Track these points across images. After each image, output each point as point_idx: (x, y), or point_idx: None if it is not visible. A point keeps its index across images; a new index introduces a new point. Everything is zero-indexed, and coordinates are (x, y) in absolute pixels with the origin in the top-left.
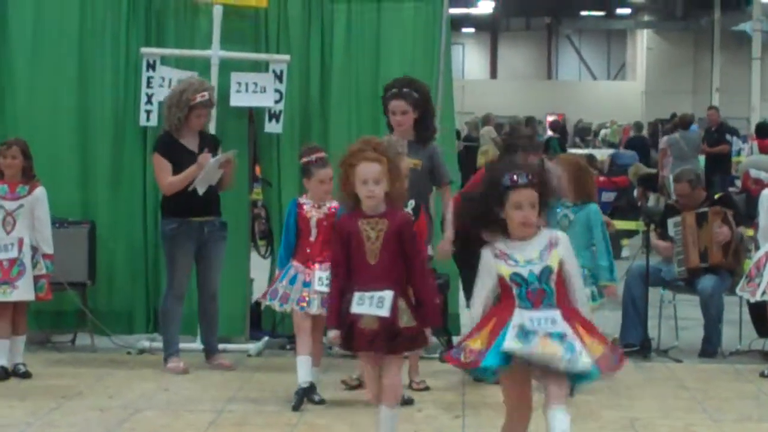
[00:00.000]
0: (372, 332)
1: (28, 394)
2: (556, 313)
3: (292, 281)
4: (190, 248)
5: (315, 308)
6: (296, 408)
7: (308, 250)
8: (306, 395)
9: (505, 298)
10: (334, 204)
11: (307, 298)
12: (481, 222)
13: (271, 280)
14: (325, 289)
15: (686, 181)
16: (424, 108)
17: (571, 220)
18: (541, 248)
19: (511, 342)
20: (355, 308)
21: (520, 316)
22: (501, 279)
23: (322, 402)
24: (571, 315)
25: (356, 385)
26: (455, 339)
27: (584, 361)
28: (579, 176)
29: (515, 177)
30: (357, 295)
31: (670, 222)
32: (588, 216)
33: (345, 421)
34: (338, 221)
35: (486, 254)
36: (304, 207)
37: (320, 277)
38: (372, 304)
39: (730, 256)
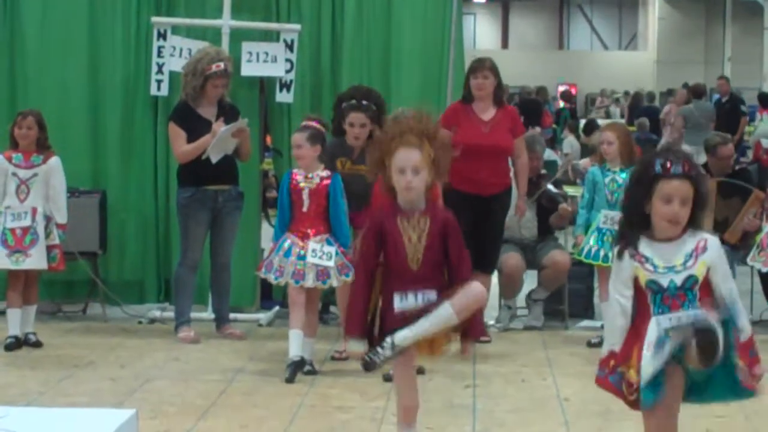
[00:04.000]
0: (418, 311)
1: (39, 363)
2: (698, 312)
3: (287, 254)
4: (204, 217)
5: (310, 281)
6: (290, 380)
7: (302, 221)
8: (298, 368)
9: (640, 303)
10: (326, 173)
11: (302, 272)
12: (626, 220)
13: (267, 252)
14: (318, 261)
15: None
16: (380, 120)
17: (620, 183)
18: (686, 253)
19: (647, 368)
20: (399, 305)
21: (656, 326)
22: (636, 281)
23: (314, 372)
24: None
25: (345, 358)
26: None
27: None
28: (627, 141)
29: (668, 164)
30: (398, 294)
31: None
32: None
33: (356, 390)
34: (372, 215)
35: (623, 255)
36: (296, 178)
37: (314, 248)
38: (416, 301)
39: (746, 240)
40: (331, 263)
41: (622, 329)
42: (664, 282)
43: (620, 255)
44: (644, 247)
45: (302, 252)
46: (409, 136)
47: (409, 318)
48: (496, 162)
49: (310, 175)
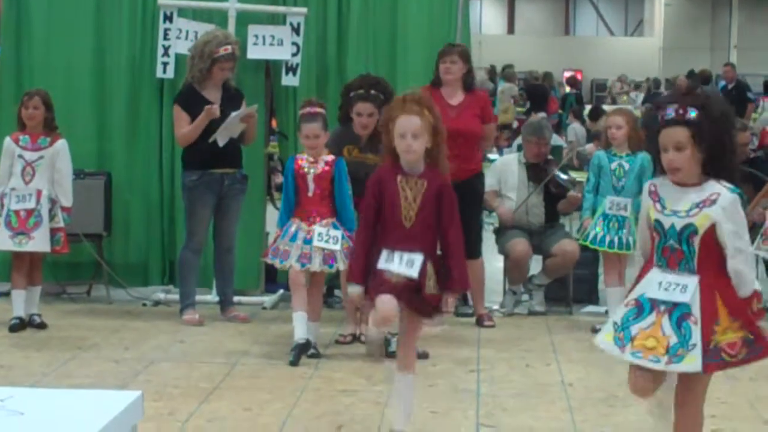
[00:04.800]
0: (397, 285)
1: (43, 344)
2: (691, 280)
3: (293, 239)
4: (210, 200)
5: (317, 265)
6: (294, 363)
7: (307, 206)
8: (303, 351)
9: (651, 245)
10: (330, 158)
11: (308, 254)
12: (654, 161)
13: (272, 238)
14: (325, 245)
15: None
16: None
17: (626, 170)
18: (695, 201)
19: (603, 337)
20: (383, 264)
21: (651, 278)
22: (647, 219)
23: (317, 356)
24: (716, 285)
25: (350, 342)
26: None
27: (689, 362)
28: (635, 126)
29: (662, 111)
30: (385, 252)
31: None
32: (642, 163)
33: (361, 374)
34: (374, 173)
35: (645, 188)
36: (301, 162)
37: (320, 232)
38: (401, 263)
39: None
40: (337, 247)
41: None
42: (666, 223)
43: (645, 188)
44: (662, 187)
45: (308, 237)
46: (410, 104)
47: (388, 285)
48: (464, 147)
49: (314, 160)
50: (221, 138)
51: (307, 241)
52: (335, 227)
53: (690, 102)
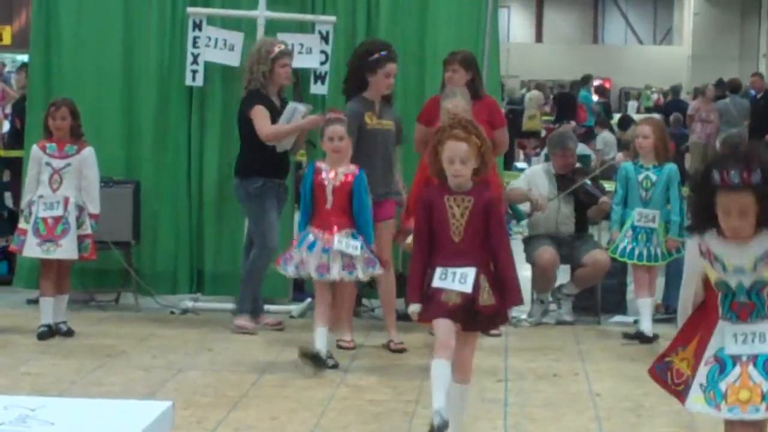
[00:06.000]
0: (454, 306)
1: (71, 352)
2: (767, 327)
3: (311, 247)
4: (276, 205)
5: (335, 273)
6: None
7: (325, 217)
8: (315, 362)
9: (709, 298)
10: (352, 168)
11: (326, 265)
12: (697, 220)
13: (287, 247)
14: (344, 249)
15: (731, 146)
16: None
17: (653, 181)
18: (757, 255)
19: (693, 400)
20: (437, 282)
21: (722, 332)
22: (705, 277)
23: (336, 366)
24: None
25: (398, 350)
26: None
27: None
28: (663, 136)
29: (725, 174)
30: (439, 270)
31: None
32: (669, 174)
33: (387, 384)
34: (423, 193)
35: (692, 246)
36: (321, 173)
37: (339, 239)
38: (455, 280)
39: None
40: (357, 253)
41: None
42: (732, 283)
43: (693, 248)
44: (715, 245)
45: (326, 246)
46: (457, 129)
47: (444, 309)
48: None
49: (335, 170)
50: (282, 145)
51: (326, 250)
52: (354, 237)
53: (754, 165)
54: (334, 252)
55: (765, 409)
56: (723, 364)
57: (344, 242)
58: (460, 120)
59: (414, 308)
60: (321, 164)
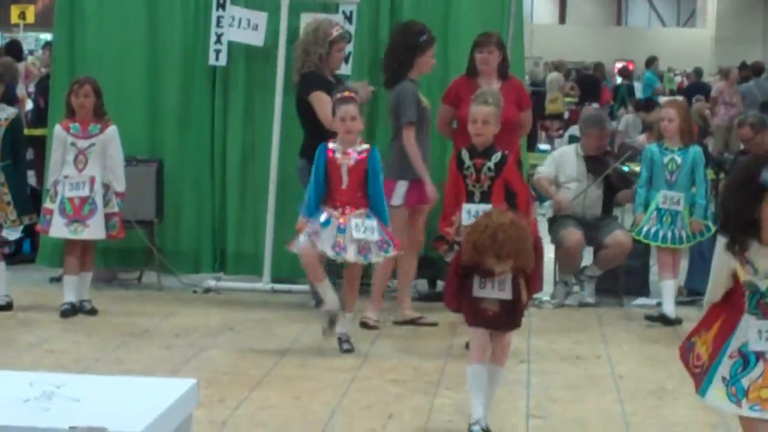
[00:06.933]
0: (494, 314)
1: (94, 330)
2: None
3: (326, 224)
4: None
5: (351, 256)
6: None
7: (339, 197)
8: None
9: (737, 287)
10: (364, 147)
11: (342, 244)
12: (731, 223)
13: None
14: (363, 236)
15: (748, 125)
16: None
17: (678, 164)
18: None
19: (714, 394)
20: (478, 292)
21: (747, 326)
22: (735, 273)
23: (351, 351)
24: None
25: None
26: None
27: None
28: (687, 119)
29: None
30: (477, 279)
31: None
32: (694, 157)
33: (409, 364)
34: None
35: (722, 246)
36: (334, 153)
37: (356, 223)
38: (494, 288)
39: None
40: (375, 237)
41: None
42: (762, 285)
43: (725, 248)
44: (751, 251)
45: (342, 225)
46: (488, 257)
47: (485, 316)
48: (501, 135)
49: (348, 150)
50: None
51: (341, 230)
52: (369, 217)
53: None
54: (353, 237)
55: None
56: (747, 360)
57: (362, 228)
58: (494, 245)
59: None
60: (332, 144)
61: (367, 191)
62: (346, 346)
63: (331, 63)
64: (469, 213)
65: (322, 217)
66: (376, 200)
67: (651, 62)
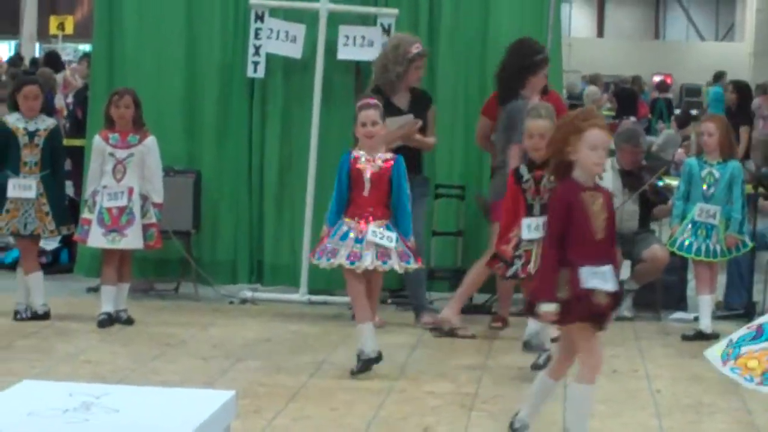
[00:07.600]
0: (605, 307)
1: (130, 340)
2: None
3: (344, 237)
4: (414, 197)
5: (368, 261)
6: (359, 372)
7: (361, 206)
8: (370, 364)
9: None
10: (389, 156)
11: (358, 253)
12: None
13: (320, 237)
14: (379, 241)
15: None
16: None
17: (716, 177)
18: None
19: (715, 348)
20: (588, 283)
21: None
22: None
23: (378, 360)
24: None
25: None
26: None
27: None
28: (728, 134)
29: None
30: (585, 269)
31: None
32: (732, 172)
33: (447, 376)
34: (558, 191)
35: None
36: (358, 160)
37: (374, 230)
38: (601, 279)
39: None
40: (392, 245)
41: None
42: None
43: None
44: None
45: (360, 236)
46: (601, 119)
47: (597, 308)
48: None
49: (372, 157)
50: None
51: (359, 240)
52: (389, 228)
53: None
54: (368, 242)
55: (757, 383)
56: (759, 333)
57: (378, 234)
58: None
59: (549, 307)
60: (357, 152)
61: (390, 202)
62: (359, 366)
63: (409, 79)
64: (529, 227)
65: (342, 229)
66: (398, 212)
67: (719, 77)
